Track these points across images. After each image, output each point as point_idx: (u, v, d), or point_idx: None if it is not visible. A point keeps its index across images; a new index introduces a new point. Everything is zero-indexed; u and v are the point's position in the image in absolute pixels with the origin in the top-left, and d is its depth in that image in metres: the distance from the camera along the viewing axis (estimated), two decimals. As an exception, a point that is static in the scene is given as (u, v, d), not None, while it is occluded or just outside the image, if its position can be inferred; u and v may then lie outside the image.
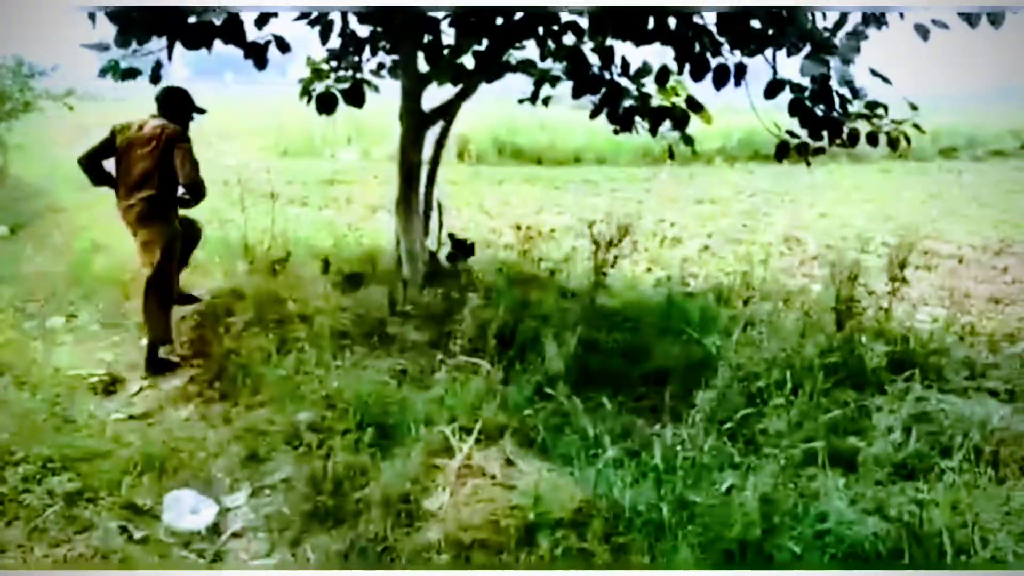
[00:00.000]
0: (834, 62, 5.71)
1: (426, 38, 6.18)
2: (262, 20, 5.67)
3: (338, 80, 6.75)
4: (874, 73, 5.79)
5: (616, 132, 6.52)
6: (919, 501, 3.52)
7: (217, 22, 5.32)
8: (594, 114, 6.39)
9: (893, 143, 6.19)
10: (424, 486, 3.70)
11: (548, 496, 3.49)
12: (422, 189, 6.50)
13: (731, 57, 5.79)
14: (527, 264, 7.07)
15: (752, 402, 4.23)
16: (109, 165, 5.43)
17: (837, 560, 3.18)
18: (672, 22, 5.58)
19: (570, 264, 7.33)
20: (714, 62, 5.74)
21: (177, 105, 5.44)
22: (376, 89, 6.85)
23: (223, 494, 3.85)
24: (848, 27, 5.98)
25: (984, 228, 10.71)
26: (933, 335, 5.55)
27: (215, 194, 6.46)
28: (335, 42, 6.42)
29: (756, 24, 5.56)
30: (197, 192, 5.21)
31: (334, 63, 6.79)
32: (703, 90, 5.99)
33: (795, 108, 5.96)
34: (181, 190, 5.21)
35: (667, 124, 6.32)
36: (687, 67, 5.81)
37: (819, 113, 5.99)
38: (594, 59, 6.25)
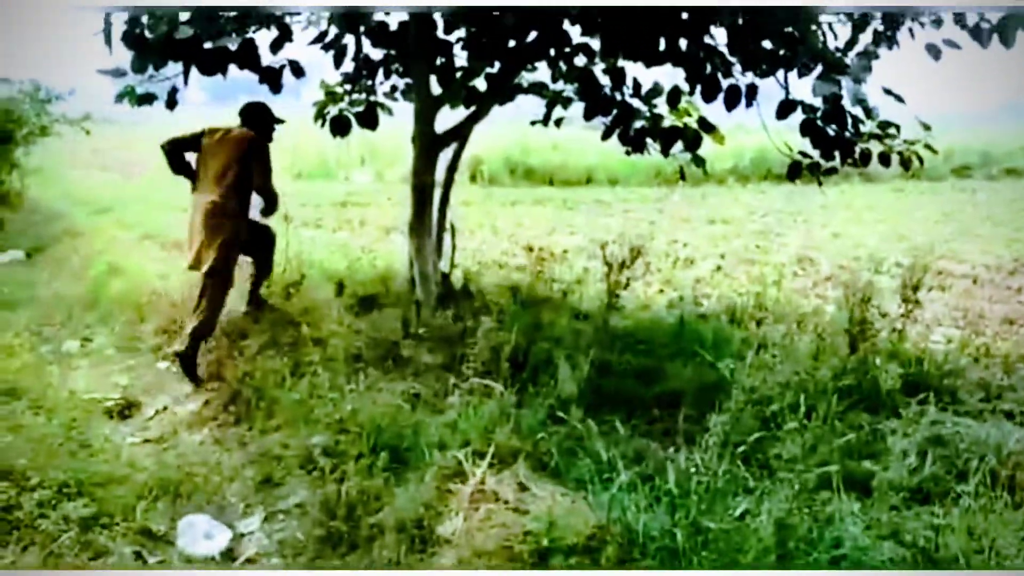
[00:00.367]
0: (846, 82, 5.71)
1: (439, 61, 6.23)
2: (277, 45, 5.73)
3: (352, 103, 6.79)
4: (887, 92, 5.79)
5: (628, 153, 6.55)
6: (935, 526, 3.48)
7: (232, 47, 5.40)
8: (606, 135, 6.42)
9: (906, 163, 6.19)
10: (437, 511, 3.69)
11: (561, 521, 3.47)
12: (435, 211, 6.52)
13: (742, 78, 5.82)
14: (540, 286, 7.07)
15: (766, 426, 4.20)
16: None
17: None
18: (683, 43, 5.61)
19: (583, 285, 7.33)
20: (725, 83, 5.77)
21: (258, 117, 5.86)
22: (390, 112, 6.89)
23: (237, 519, 3.86)
24: (859, 47, 6.01)
25: (998, 247, 10.65)
26: (948, 356, 5.52)
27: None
28: (349, 66, 6.47)
29: (767, 44, 5.59)
30: (269, 198, 5.82)
31: (348, 86, 6.84)
32: (715, 110, 6.02)
33: (807, 128, 5.97)
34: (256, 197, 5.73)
35: (679, 145, 6.34)
36: (698, 88, 5.84)
37: (831, 133, 6.00)
38: (605, 80, 6.29)
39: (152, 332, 6.17)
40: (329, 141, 6.90)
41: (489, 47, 5.93)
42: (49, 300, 6.96)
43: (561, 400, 4.62)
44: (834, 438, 4.19)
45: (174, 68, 5.58)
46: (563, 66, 6.27)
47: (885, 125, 6.08)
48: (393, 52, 6.42)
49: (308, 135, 10.76)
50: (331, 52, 6.26)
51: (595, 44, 5.85)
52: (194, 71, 5.48)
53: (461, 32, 6.04)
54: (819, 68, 5.61)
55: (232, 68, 5.60)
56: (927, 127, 6.13)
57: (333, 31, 6.15)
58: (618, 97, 6.28)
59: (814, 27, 5.70)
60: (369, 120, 6.62)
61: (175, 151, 5.77)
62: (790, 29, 5.46)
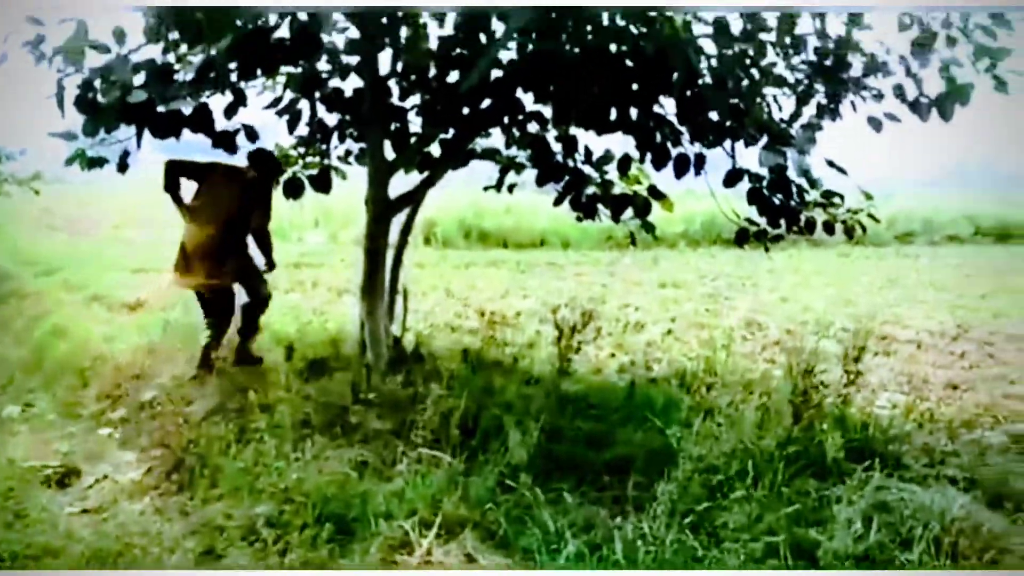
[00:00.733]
0: (791, 153, 5.89)
1: (393, 126, 6.28)
2: (231, 110, 5.74)
3: (306, 166, 6.82)
4: (830, 164, 5.98)
5: (579, 219, 6.63)
6: (880, 595, 3.51)
7: (186, 111, 5.39)
8: (558, 201, 6.50)
9: (849, 231, 6.35)
10: (383, 583, 3.63)
11: (509, 593, 3.44)
12: (387, 273, 6.52)
13: (691, 147, 5.94)
14: (492, 349, 7.07)
15: (713, 495, 4.22)
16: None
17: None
18: (634, 112, 5.74)
19: (534, 349, 7.34)
20: (675, 151, 5.90)
21: (264, 164, 6.27)
22: (343, 176, 6.93)
23: (177, 592, 3.75)
24: (803, 119, 6.20)
25: (941, 313, 10.87)
26: (892, 422, 5.59)
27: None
28: (303, 130, 6.49)
29: (714, 116, 5.73)
30: (265, 242, 6.24)
31: (302, 150, 6.87)
32: (665, 177, 6.12)
33: (753, 197, 6.11)
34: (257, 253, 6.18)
35: (629, 211, 6.44)
36: (648, 156, 5.95)
37: (777, 202, 6.14)
38: (558, 147, 6.39)
39: (95, 397, 6.03)
40: (283, 203, 6.90)
41: (444, 114, 6.00)
42: (-8, 363, 6.79)
43: (511, 467, 4.60)
44: (781, 506, 4.21)
45: (127, 131, 5.55)
46: (516, 132, 6.35)
47: (829, 195, 6.24)
48: (348, 117, 6.47)
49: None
50: (285, 117, 6.28)
51: (548, 112, 5.94)
52: (147, 133, 5.46)
53: (416, 99, 6.11)
54: (764, 139, 5.78)
55: (186, 131, 5.59)
56: (869, 196, 6.31)
57: (288, 96, 6.18)
58: (570, 164, 6.37)
59: (759, 100, 5.88)
60: (323, 184, 6.63)
61: (175, 172, 6.09)
62: (736, 101, 5.61)
